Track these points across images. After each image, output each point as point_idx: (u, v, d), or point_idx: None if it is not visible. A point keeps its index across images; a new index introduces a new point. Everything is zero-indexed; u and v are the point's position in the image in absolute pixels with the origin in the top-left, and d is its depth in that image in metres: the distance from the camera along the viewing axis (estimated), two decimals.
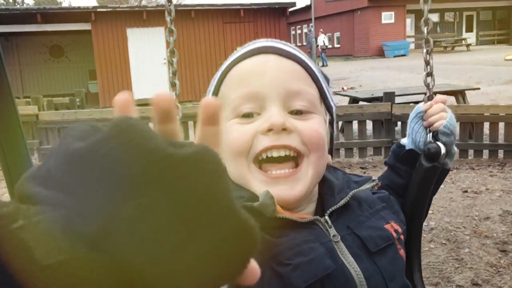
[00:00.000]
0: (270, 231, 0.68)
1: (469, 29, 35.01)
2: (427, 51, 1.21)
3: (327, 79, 0.88)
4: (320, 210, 0.81)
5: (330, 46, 33.97)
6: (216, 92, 0.83)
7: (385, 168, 1.12)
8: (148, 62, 15.18)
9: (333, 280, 0.70)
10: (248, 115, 0.76)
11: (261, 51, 0.81)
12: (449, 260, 3.54)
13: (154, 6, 18.65)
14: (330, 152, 0.87)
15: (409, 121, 1.08)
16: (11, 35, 16.11)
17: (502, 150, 6.47)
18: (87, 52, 16.82)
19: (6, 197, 5.44)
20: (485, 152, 6.55)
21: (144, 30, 15.01)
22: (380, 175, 1.07)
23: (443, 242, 3.84)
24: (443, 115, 1.02)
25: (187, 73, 15.42)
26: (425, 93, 1.16)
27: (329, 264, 0.71)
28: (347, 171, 6.05)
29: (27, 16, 14.58)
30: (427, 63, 1.21)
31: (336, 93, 13.71)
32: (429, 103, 1.06)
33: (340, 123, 7.20)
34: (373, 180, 0.88)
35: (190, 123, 7.06)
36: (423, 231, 3.04)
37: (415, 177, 1.00)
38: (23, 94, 16.75)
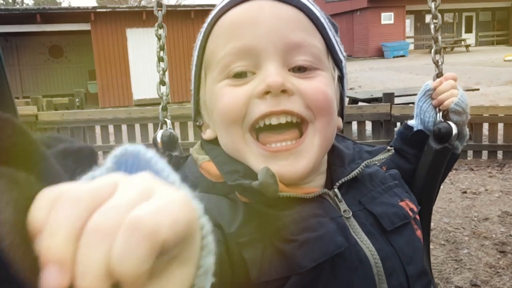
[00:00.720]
0: (272, 205, 0.61)
1: (469, 30, 35.03)
2: (434, 27, 1.14)
3: (334, 27, 0.74)
4: (329, 182, 0.70)
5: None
6: (202, 49, 0.70)
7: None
8: (147, 63, 15.17)
9: (345, 260, 0.61)
10: (240, 75, 0.64)
11: None
12: (448, 260, 3.55)
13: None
14: (341, 115, 0.76)
15: (416, 100, 1.00)
16: (11, 35, 16.11)
17: (501, 151, 6.47)
18: (86, 53, 16.82)
19: None
20: (484, 153, 6.55)
21: (143, 30, 15.00)
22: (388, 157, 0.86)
23: (442, 243, 3.84)
24: (454, 92, 0.93)
25: (186, 74, 15.41)
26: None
27: (340, 241, 0.61)
28: None
29: (26, 16, 14.58)
30: (435, 40, 1.13)
31: None
32: (438, 80, 0.97)
33: None
34: (389, 150, 0.78)
35: (190, 123, 7.06)
36: None
37: (424, 160, 0.90)
38: (22, 94, 16.75)
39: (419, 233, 0.74)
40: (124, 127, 7.15)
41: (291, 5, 0.65)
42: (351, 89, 15.81)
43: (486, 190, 5.14)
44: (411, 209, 0.74)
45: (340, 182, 0.69)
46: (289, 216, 0.61)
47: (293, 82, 0.62)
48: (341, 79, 0.74)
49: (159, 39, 1.21)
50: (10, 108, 1.25)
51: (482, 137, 6.56)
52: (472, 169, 6.04)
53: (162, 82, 1.18)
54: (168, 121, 1.08)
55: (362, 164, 0.71)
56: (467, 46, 30.20)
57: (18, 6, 36.34)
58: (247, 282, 0.56)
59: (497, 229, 4.07)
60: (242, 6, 0.64)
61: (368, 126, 6.91)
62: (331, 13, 35.39)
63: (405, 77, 18.20)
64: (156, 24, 1.15)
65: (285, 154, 0.63)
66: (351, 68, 23.40)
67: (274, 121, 0.62)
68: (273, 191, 0.58)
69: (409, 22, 33.00)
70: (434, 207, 3.84)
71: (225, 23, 0.65)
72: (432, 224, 4.12)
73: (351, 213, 0.67)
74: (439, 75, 1.00)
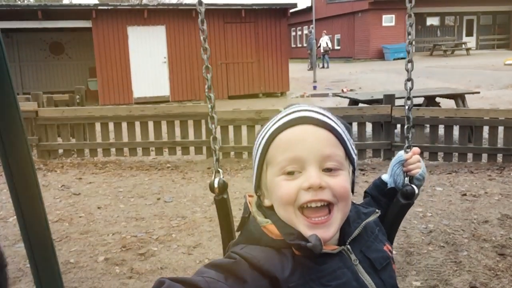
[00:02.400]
0: (313, 259, 0.93)
1: (469, 33, 35.02)
2: (409, 34, 1.42)
3: (348, 129, 1.06)
4: (341, 238, 1.01)
5: (337, 48, 33.97)
6: (265, 151, 0.99)
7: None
8: (148, 61, 15.17)
9: None
10: (292, 173, 0.95)
11: (301, 122, 0.98)
12: (447, 262, 3.54)
13: (155, 5, 18.63)
14: (352, 191, 1.03)
15: (391, 163, 1.28)
16: (12, 31, 16.08)
17: (501, 154, 6.47)
18: (87, 50, 16.79)
19: (5, 193, 5.41)
20: (484, 156, 6.55)
21: (144, 28, 14.99)
22: (364, 201, 1.28)
23: (442, 244, 3.84)
24: (419, 164, 1.25)
25: (187, 72, 15.40)
26: (407, 130, 1.36)
27: (355, 285, 0.94)
28: None
29: (28, 12, 14.56)
30: (408, 52, 1.41)
31: (336, 95, 13.71)
32: (409, 154, 1.26)
33: None
34: (377, 212, 1.09)
35: (190, 122, 7.05)
36: (421, 234, 3.15)
37: (393, 209, 1.24)
38: (22, 90, 16.73)
39: (394, 266, 1.08)
40: (124, 125, 7.14)
41: (325, 128, 0.97)
42: (351, 90, 15.82)
43: (486, 192, 5.14)
44: (390, 251, 1.08)
45: (350, 239, 1.00)
46: (325, 269, 0.93)
47: (325, 180, 0.93)
48: (353, 170, 1.04)
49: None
50: (12, 104, 1.24)
51: (482, 140, 6.56)
52: (472, 172, 6.04)
53: (208, 98, 1.37)
54: (221, 171, 1.34)
55: (362, 224, 1.03)
56: (468, 49, 30.20)
57: (19, 2, 36.31)
58: None
59: (496, 231, 4.07)
60: (294, 128, 0.97)
61: (369, 127, 6.91)
62: (332, 15, 35.42)
63: None
64: (199, 20, 1.33)
65: (321, 225, 0.94)
66: (352, 70, 23.41)
67: (313, 204, 0.93)
68: (319, 250, 0.91)
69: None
70: (435, 209, 3.87)
71: (282, 139, 0.97)
72: (431, 226, 4.13)
73: (358, 261, 0.98)
74: (408, 147, 1.28)
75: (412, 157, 1.25)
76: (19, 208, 1.20)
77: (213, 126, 1.43)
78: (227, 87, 15.65)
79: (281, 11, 16.02)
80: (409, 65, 1.40)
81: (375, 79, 18.49)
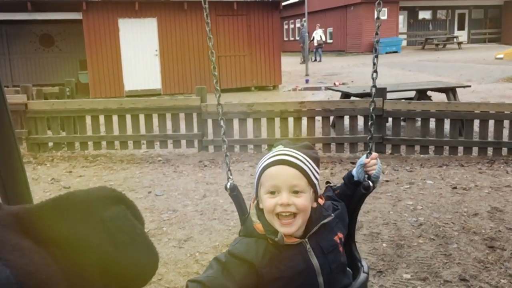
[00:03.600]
0: (279, 248, 1.45)
1: (461, 27, 35.13)
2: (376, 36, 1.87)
3: (315, 161, 1.53)
4: (306, 231, 1.50)
5: (329, 41, 33.91)
6: (259, 177, 1.50)
7: None
8: (139, 53, 15.06)
9: (307, 270, 1.45)
10: (273, 193, 1.45)
11: (279, 163, 1.47)
12: (437, 255, 3.57)
13: None
14: (316, 198, 1.53)
15: (357, 165, 1.74)
16: (1, 23, 15.88)
17: (492, 148, 6.52)
18: (78, 42, 16.62)
19: None
20: (475, 149, 6.60)
21: (136, 20, 14.87)
22: (340, 185, 1.78)
23: (432, 237, 3.86)
24: (374, 167, 1.71)
25: (179, 65, 15.32)
26: (370, 141, 1.86)
27: (303, 265, 1.46)
28: (338, 166, 6.02)
29: (17, 4, 14.37)
30: (375, 49, 1.86)
31: (328, 88, 13.72)
32: (368, 159, 1.72)
33: (331, 118, 7.21)
34: (331, 216, 1.54)
35: (182, 115, 7.02)
36: (412, 226, 3.18)
37: (356, 195, 1.73)
38: (12, 83, 16.54)
39: (341, 248, 1.55)
40: (115, 118, 7.09)
41: (293, 167, 1.45)
42: (343, 83, 15.83)
43: (476, 186, 5.18)
44: (340, 238, 1.55)
45: (309, 234, 1.49)
46: (285, 254, 1.45)
47: (292, 200, 1.43)
48: (315, 190, 1.50)
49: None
50: None
51: (473, 134, 6.60)
52: (463, 165, 6.08)
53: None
54: (231, 177, 1.92)
55: (317, 226, 1.50)
56: (460, 43, 30.31)
57: None
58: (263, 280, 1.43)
59: (486, 224, 4.10)
60: (275, 167, 1.47)
61: (360, 120, 6.92)
62: (325, 8, 35.32)
63: (397, 73, 18.24)
64: (205, 14, 1.91)
65: (288, 225, 1.44)
66: (344, 63, 23.43)
67: (284, 214, 1.43)
68: (282, 242, 1.43)
69: (402, 19, 33.05)
70: (425, 202, 3.90)
71: (267, 174, 1.47)
72: (422, 218, 4.16)
73: (311, 249, 1.48)
74: (370, 152, 1.75)
75: (370, 162, 1.72)
76: (7, 203, 1.18)
77: (224, 137, 2.11)
78: (219, 80, 15.54)
79: (273, 4, 15.96)
80: (375, 59, 1.87)
81: (367, 72, 18.44)
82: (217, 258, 1.44)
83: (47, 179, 5.84)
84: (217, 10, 15.15)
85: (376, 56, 1.85)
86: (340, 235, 1.56)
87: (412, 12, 33.27)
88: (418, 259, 3.51)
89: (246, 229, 1.51)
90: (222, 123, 2.03)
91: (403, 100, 7.38)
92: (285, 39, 39.18)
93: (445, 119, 6.64)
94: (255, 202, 1.55)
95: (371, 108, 1.95)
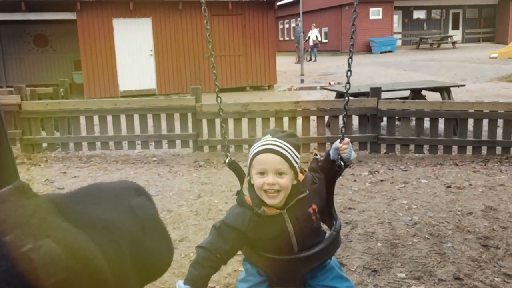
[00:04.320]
0: (262, 217, 1.83)
1: (455, 27, 35.29)
2: (352, 44, 2.30)
3: (296, 147, 1.89)
4: (285, 203, 1.86)
5: (325, 41, 33.92)
6: (251, 161, 1.87)
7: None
8: (134, 53, 15.02)
9: (283, 234, 1.86)
10: (262, 173, 1.82)
11: (266, 150, 1.83)
12: (431, 254, 3.57)
13: None
14: (296, 175, 1.89)
15: (332, 147, 2.10)
16: None
17: (486, 147, 6.54)
18: (72, 42, 16.55)
19: None
20: (469, 149, 6.62)
21: (130, 20, 14.83)
22: (323, 158, 2.12)
23: (426, 236, 3.87)
24: (346, 151, 2.05)
25: (173, 65, 15.29)
26: (342, 129, 2.31)
27: (279, 230, 1.86)
28: None
29: (11, 4, 14.29)
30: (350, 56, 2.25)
31: (323, 88, 13.73)
32: (341, 144, 2.06)
33: (326, 117, 7.21)
34: (306, 192, 1.90)
35: (176, 115, 7.01)
36: (406, 226, 3.21)
37: (332, 170, 2.10)
38: (6, 83, 16.45)
39: (313, 217, 1.91)
40: (109, 118, 7.07)
41: (277, 155, 1.81)
42: (338, 83, 15.85)
43: (470, 185, 5.20)
44: (313, 209, 1.92)
45: (287, 207, 1.86)
46: (266, 221, 1.86)
47: (276, 180, 1.79)
48: (295, 170, 1.86)
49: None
50: None
51: (467, 133, 6.63)
52: (457, 164, 6.10)
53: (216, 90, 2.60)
54: (229, 154, 2.28)
55: (295, 199, 1.86)
56: (454, 42, 30.44)
57: None
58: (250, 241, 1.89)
59: (480, 223, 4.11)
60: (262, 154, 1.82)
61: (355, 120, 6.93)
62: (320, 7, 35.38)
63: (392, 72, 18.29)
64: (205, 21, 2.36)
65: (272, 198, 1.82)
66: (339, 63, 23.45)
67: (270, 191, 1.81)
68: (263, 213, 1.83)
69: (396, 18, 33.13)
70: (420, 202, 3.90)
71: (257, 159, 1.83)
72: (416, 217, 4.17)
73: (288, 218, 1.86)
74: (343, 138, 2.11)
75: (342, 146, 2.06)
76: None
77: (223, 126, 2.58)
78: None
79: (268, 3, 15.96)
80: (350, 60, 2.24)
81: (362, 72, 18.55)
82: (214, 226, 1.87)
83: (41, 180, 5.82)
84: (212, 10, 15.13)
85: (351, 57, 2.24)
86: (314, 206, 1.93)
87: (406, 12, 33.37)
88: (412, 258, 3.52)
89: (239, 199, 1.92)
90: (220, 112, 2.60)
91: (398, 100, 7.39)
92: (280, 39, 39.19)
93: (440, 119, 6.66)
94: (248, 178, 1.92)
95: (344, 103, 2.35)
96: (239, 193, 1.95)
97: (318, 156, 2.16)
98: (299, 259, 1.91)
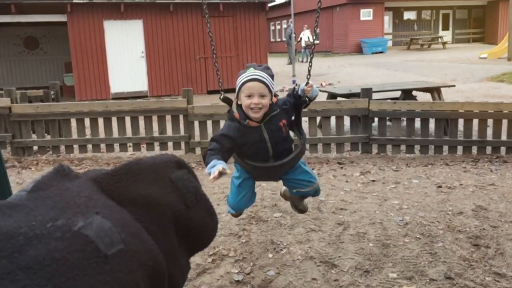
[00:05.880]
0: (246, 128, 2.68)
1: (445, 27, 35.52)
2: (313, 45, 3.33)
3: (271, 76, 2.69)
4: (262, 118, 2.68)
5: (317, 42, 33.94)
6: (240, 88, 2.64)
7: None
8: (125, 55, 14.97)
9: (261, 140, 2.71)
10: (249, 96, 2.59)
11: (253, 79, 2.61)
12: (423, 254, 3.60)
13: None
14: (271, 97, 2.68)
15: (300, 88, 2.79)
16: None
17: (476, 147, 6.60)
18: (62, 44, 16.48)
19: None
20: (460, 148, 6.67)
21: (121, 22, 14.77)
22: (295, 93, 2.82)
23: (417, 236, 3.89)
24: (309, 90, 2.76)
25: (165, 67, 15.26)
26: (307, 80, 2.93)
27: (258, 137, 2.70)
28: (325, 166, 6.03)
29: (0, 7, 14.20)
30: (311, 57, 3.23)
31: None
32: (306, 87, 2.76)
33: (318, 118, 7.23)
34: (277, 110, 2.72)
35: (168, 117, 6.99)
36: (398, 226, 3.24)
37: (300, 102, 2.82)
38: None
39: (283, 129, 2.76)
40: (100, 120, 7.04)
41: (260, 82, 2.62)
42: (330, 84, 15.89)
43: (461, 184, 5.24)
44: (283, 123, 2.75)
45: (264, 121, 2.70)
46: (248, 131, 2.70)
47: (260, 100, 2.61)
48: (272, 93, 2.70)
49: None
50: None
51: (458, 133, 6.67)
52: (448, 164, 6.14)
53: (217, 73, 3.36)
54: (222, 93, 2.95)
55: (268, 116, 2.69)
56: (444, 43, 30.63)
57: None
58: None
59: (471, 223, 4.14)
60: (249, 82, 2.63)
61: (347, 121, 6.96)
62: (310, 9, 35.35)
63: (383, 73, 18.37)
64: (208, 30, 3.19)
65: (256, 113, 2.64)
66: (331, 64, 23.53)
67: (255, 107, 2.63)
68: (247, 124, 2.67)
69: (387, 19, 33.29)
70: (411, 202, 3.92)
71: (246, 85, 2.63)
72: (407, 218, 4.19)
73: (265, 130, 2.71)
74: (308, 79, 2.89)
75: (306, 88, 2.75)
76: None
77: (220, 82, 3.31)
78: (206, 81, 15.57)
79: (260, 4, 15.98)
80: (311, 61, 3.17)
81: (353, 73, 18.62)
82: (213, 137, 2.60)
83: None
84: (203, 11, 15.10)
85: (312, 56, 3.28)
86: (284, 121, 2.74)
87: (397, 13, 33.54)
88: (404, 258, 3.54)
89: (230, 116, 2.69)
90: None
91: (389, 100, 7.43)
92: (272, 40, 39.22)
93: (430, 119, 6.71)
94: (236, 100, 2.69)
95: (299, 87, 2.84)
96: (229, 112, 2.71)
97: (297, 87, 2.82)
98: (276, 166, 2.75)
